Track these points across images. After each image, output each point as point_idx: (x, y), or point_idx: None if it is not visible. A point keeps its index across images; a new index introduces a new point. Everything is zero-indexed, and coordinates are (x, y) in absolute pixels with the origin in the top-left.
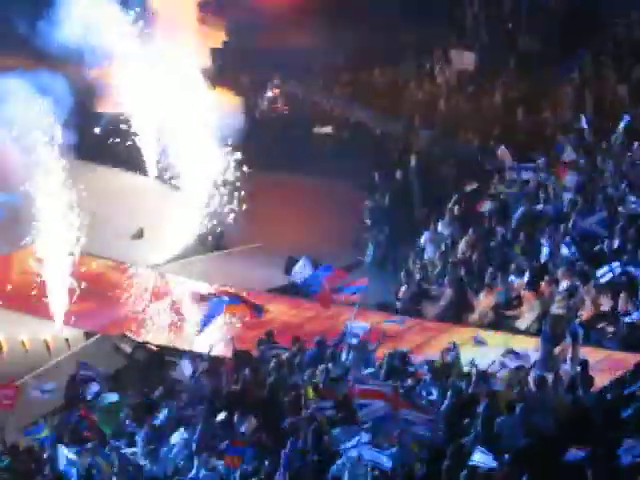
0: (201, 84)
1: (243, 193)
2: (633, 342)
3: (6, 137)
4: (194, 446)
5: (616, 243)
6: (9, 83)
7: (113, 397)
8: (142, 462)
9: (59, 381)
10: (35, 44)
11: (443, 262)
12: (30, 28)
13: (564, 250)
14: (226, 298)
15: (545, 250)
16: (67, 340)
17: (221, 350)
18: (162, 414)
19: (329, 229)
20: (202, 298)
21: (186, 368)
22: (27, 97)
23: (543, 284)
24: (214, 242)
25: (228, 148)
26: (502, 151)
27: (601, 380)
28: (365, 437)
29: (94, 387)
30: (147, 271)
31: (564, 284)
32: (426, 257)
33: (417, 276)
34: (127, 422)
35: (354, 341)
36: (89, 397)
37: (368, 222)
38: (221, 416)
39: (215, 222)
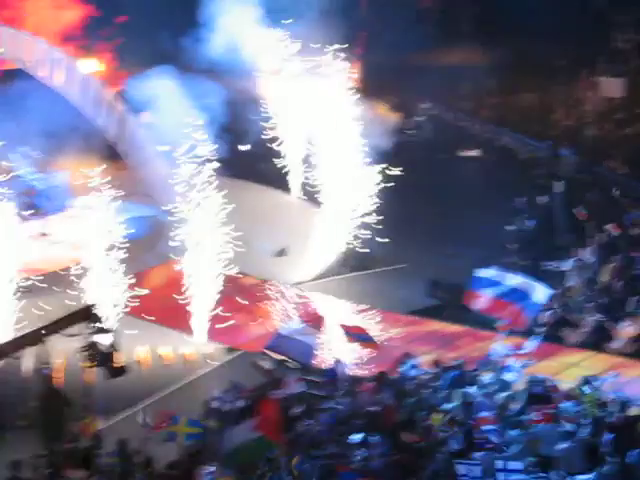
0: (349, 102)
1: (388, 214)
2: None
3: (156, 151)
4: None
5: None
6: (161, 96)
7: None
8: None
9: (198, 396)
10: (187, 57)
11: (586, 289)
12: (181, 41)
13: None
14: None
15: None
16: (208, 355)
17: (359, 371)
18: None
19: (471, 253)
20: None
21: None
22: (179, 110)
23: None
24: (357, 262)
25: (374, 168)
26: None
27: None
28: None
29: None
30: (290, 289)
31: None
32: (569, 284)
33: (559, 302)
34: None
35: (496, 365)
36: None
37: (511, 247)
38: (358, 437)
39: (358, 242)
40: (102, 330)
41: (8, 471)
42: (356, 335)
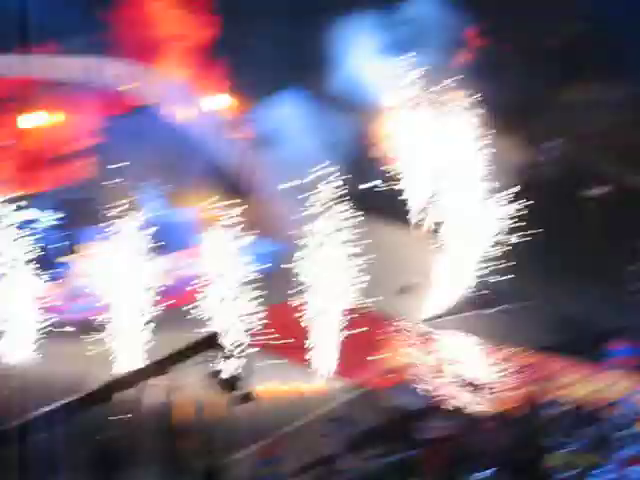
0: (475, 139)
1: (514, 250)
2: None
3: (282, 186)
4: None
5: None
6: (287, 129)
7: None
8: None
9: (319, 432)
10: (312, 90)
11: None
12: (306, 74)
13: None
14: None
15: None
16: (335, 391)
17: (477, 408)
18: None
19: (596, 290)
20: None
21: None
22: (304, 144)
23: None
24: (483, 299)
25: (500, 205)
26: None
27: None
28: None
29: None
30: (415, 326)
31: None
32: None
33: None
34: None
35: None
36: None
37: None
38: (488, 473)
39: (484, 279)
40: (227, 358)
41: None
42: None
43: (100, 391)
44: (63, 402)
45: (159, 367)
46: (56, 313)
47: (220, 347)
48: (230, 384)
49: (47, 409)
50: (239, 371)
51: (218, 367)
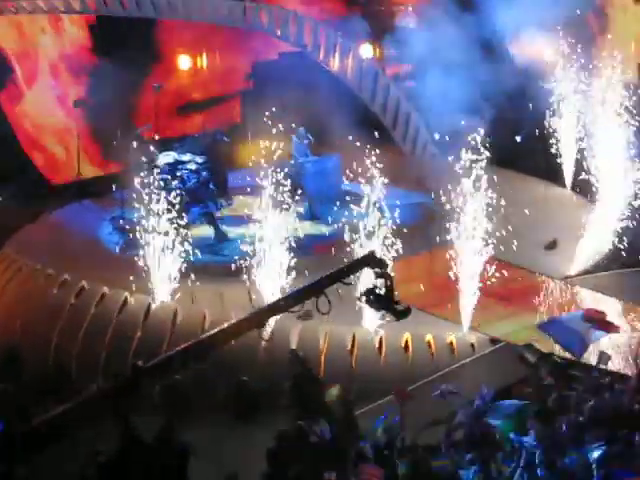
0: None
1: None
2: None
3: (430, 138)
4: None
5: None
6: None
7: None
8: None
9: (461, 385)
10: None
11: None
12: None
13: None
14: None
15: None
16: (472, 345)
17: (623, 367)
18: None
19: None
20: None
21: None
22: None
23: None
24: (628, 258)
25: None
26: None
27: None
28: None
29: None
30: (558, 283)
31: None
32: None
33: None
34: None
35: None
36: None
37: None
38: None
39: (631, 238)
40: (380, 275)
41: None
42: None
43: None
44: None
45: (318, 287)
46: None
47: (380, 263)
48: (386, 298)
49: (181, 347)
50: (390, 286)
51: (371, 284)
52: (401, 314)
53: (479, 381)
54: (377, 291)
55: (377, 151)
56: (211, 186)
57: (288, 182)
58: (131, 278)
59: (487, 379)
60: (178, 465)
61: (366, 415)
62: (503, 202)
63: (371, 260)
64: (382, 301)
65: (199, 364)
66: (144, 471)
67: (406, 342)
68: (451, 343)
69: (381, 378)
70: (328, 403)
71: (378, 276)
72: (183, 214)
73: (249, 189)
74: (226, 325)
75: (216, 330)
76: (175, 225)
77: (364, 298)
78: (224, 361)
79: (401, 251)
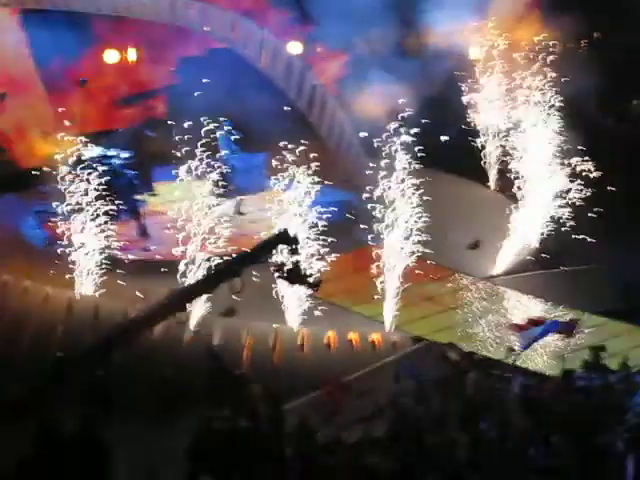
0: (550, 96)
1: (584, 211)
2: None
3: (356, 136)
4: None
5: None
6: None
7: None
8: None
9: (381, 383)
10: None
11: None
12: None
13: None
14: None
15: None
16: (394, 343)
17: (545, 368)
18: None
19: None
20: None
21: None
22: (382, 94)
23: None
24: (550, 260)
25: (573, 164)
26: None
27: None
28: None
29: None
30: (480, 283)
31: None
32: None
33: None
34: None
35: None
36: None
37: None
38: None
39: (552, 239)
40: (294, 252)
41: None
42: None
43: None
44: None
45: (231, 269)
46: (124, 251)
47: (293, 240)
48: (296, 271)
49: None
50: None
51: (283, 260)
52: (313, 285)
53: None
54: (288, 266)
55: (303, 148)
56: (136, 181)
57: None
58: (53, 272)
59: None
60: (98, 460)
61: (292, 412)
62: (428, 202)
63: (284, 237)
64: (294, 275)
65: (121, 352)
66: (63, 467)
67: (329, 339)
68: (373, 341)
69: (304, 375)
70: (251, 401)
71: (292, 252)
72: (108, 208)
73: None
74: (146, 310)
75: (136, 315)
76: (100, 219)
77: (277, 274)
78: (147, 357)
79: (326, 249)
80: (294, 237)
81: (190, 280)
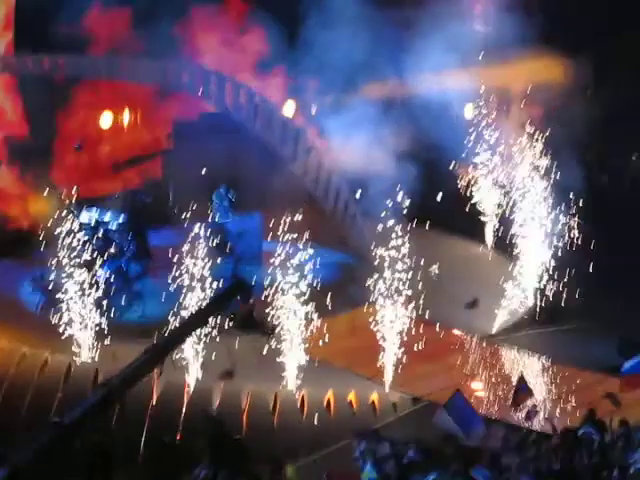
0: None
1: (581, 269)
2: None
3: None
4: None
5: None
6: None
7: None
8: None
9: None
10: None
11: None
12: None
13: None
14: None
15: None
16: (394, 404)
17: (542, 426)
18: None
19: None
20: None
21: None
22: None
23: None
24: (548, 317)
25: (568, 222)
26: None
27: None
28: None
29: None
30: (479, 341)
31: None
32: None
33: None
34: None
35: None
36: None
37: None
38: None
39: (549, 297)
40: (247, 299)
41: None
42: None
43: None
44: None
45: (200, 320)
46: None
47: (247, 288)
48: (252, 320)
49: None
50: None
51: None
52: (268, 331)
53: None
54: (244, 315)
55: (300, 211)
56: (132, 246)
57: (215, 240)
58: (51, 338)
59: (409, 438)
60: None
61: None
62: (424, 261)
63: (241, 286)
64: (249, 323)
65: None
66: None
67: (328, 401)
68: (373, 402)
69: (304, 437)
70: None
71: (245, 300)
72: (102, 274)
73: (171, 248)
74: (127, 368)
75: (119, 374)
76: (95, 285)
77: (232, 323)
78: (146, 421)
79: (324, 310)
80: (248, 285)
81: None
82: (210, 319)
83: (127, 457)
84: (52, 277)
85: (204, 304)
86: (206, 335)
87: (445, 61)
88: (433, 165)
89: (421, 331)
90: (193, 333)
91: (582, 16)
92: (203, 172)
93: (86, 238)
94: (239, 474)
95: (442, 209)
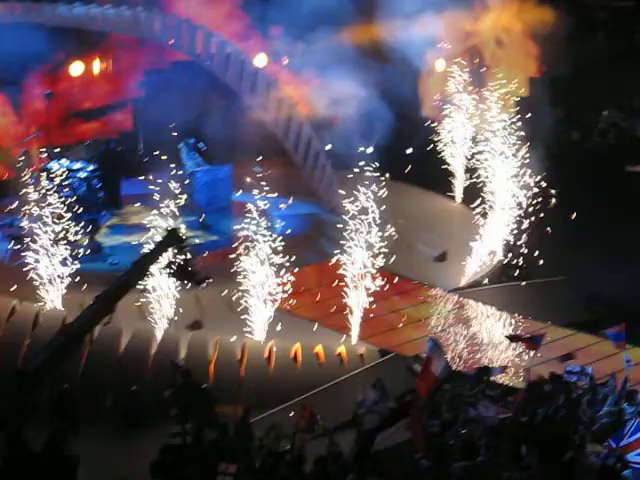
0: (514, 111)
1: (549, 224)
2: None
3: (322, 150)
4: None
5: None
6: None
7: None
8: None
9: (349, 396)
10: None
11: None
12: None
13: None
14: None
15: None
16: (362, 356)
17: (511, 379)
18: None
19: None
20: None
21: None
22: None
23: None
24: (515, 272)
25: (538, 177)
26: None
27: None
28: None
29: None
30: (447, 295)
31: None
32: None
33: None
34: None
35: None
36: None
37: None
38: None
39: (518, 252)
40: (181, 250)
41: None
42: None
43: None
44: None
45: (139, 270)
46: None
47: (181, 239)
48: (185, 269)
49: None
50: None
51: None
52: (200, 281)
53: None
54: (177, 263)
55: (269, 161)
56: (101, 194)
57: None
58: (20, 286)
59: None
60: (66, 474)
61: (260, 424)
62: (394, 214)
63: (175, 236)
64: (182, 272)
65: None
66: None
67: (295, 352)
68: (340, 354)
69: (271, 387)
70: (219, 414)
71: (179, 250)
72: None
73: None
74: (80, 316)
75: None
76: (63, 233)
77: (166, 271)
78: (113, 371)
79: (292, 262)
80: (182, 236)
81: None
82: (149, 269)
83: (94, 405)
84: (21, 225)
85: (142, 256)
86: (175, 285)
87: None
88: (403, 116)
89: (388, 284)
90: (136, 284)
91: None
92: (172, 124)
93: (55, 185)
94: (206, 423)
95: (412, 162)
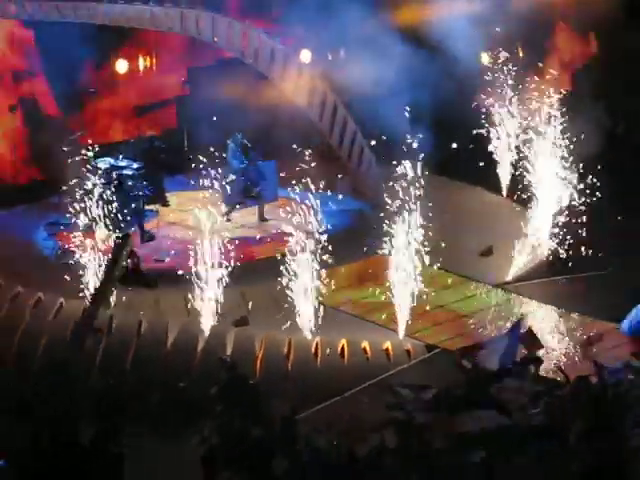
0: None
1: (596, 219)
2: None
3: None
4: None
5: None
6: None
7: None
8: None
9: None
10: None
11: None
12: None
13: None
14: None
15: None
16: (408, 351)
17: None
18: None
19: None
20: None
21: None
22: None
23: None
24: (561, 266)
25: (580, 174)
26: None
27: None
28: None
29: None
30: (493, 290)
31: None
32: None
33: None
34: None
35: None
36: None
37: None
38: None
39: (563, 246)
40: (129, 255)
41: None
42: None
43: None
44: None
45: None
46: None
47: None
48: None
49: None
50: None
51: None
52: (151, 283)
53: None
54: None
55: (314, 158)
56: (147, 191)
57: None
58: (66, 283)
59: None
60: (113, 470)
61: (306, 421)
62: (439, 209)
63: (127, 243)
64: (132, 277)
65: None
66: (79, 475)
67: (342, 348)
68: (387, 349)
69: (318, 384)
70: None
71: (128, 257)
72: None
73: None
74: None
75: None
76: (111, 230)
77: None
78: (160, 368)
79: (337, 258)
80: (129, 242)
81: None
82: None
83: (141, 402)
84: (67, 223)
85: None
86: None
87: None
88: (448, 110)
89: (434, 279)
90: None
91: None
92: (218, 119)
93: (101, 183)
94: (252, 420)
95: (458, 156)
